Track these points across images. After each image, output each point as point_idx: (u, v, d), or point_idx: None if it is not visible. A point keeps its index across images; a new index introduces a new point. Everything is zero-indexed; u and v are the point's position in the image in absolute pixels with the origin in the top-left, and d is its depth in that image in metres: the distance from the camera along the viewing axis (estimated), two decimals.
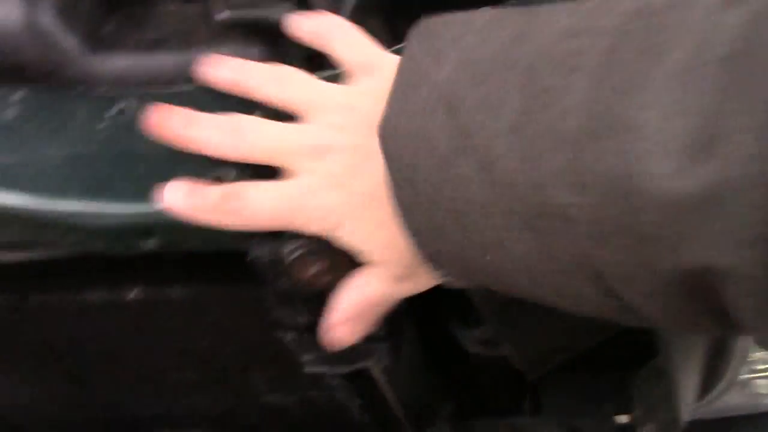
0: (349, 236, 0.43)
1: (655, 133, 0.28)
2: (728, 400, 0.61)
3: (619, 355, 0.69)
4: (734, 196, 0.26)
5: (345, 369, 0.67)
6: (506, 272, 0.36)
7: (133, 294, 0.59)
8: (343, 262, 0.44)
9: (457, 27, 0.37)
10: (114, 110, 0.50)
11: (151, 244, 0.48)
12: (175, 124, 0.45)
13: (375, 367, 0.70)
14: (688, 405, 0.56)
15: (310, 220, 0.43)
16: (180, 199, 0.44)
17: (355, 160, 0.42)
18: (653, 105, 0.28)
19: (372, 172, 0.41)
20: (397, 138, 0.37)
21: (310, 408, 0.77)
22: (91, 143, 0.49)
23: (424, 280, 0.45)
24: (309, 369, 0.67)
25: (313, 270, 0.44)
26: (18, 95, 0.50)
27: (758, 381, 0.60)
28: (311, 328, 0.63)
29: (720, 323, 0.32)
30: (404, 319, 0.68)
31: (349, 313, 0.47)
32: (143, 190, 0.47)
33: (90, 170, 0.49)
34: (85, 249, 0.50)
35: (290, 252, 0.44)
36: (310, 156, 0.43)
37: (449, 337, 0.78)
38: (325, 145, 0.43)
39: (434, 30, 0.38)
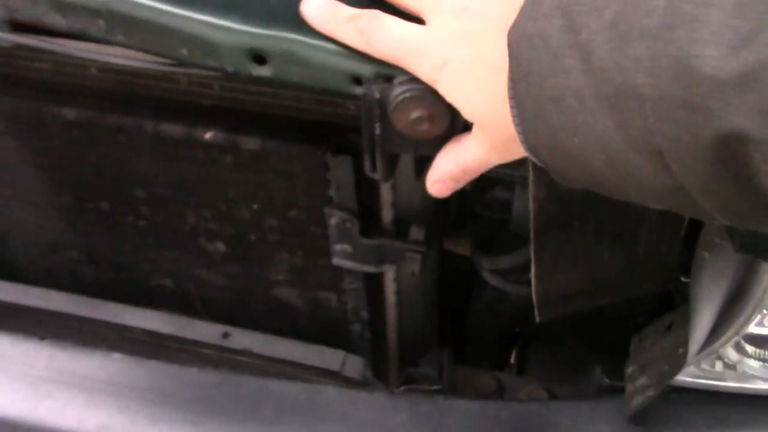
0: (458, 92, 0.48)
1: (713, 26, 0.35)
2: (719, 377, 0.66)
3: (622, 317, 0.74)
4: (766, 75, 0.34)
5: (371, 268, 0.72)
6: (588, 151, 0.43)
7: (209, 135, 0.64)
8: (442, 117, 0.49)
9: None
10: None
11: (263, 71, 0.53)
12: None
13: (395, 275, 0.74)
14: (691, 357, 0.61)
15: (426, 65, 0.47)
16: (317, 7, 0.49)
17: (492, 30, 0.47)
18: (716, 5, 0.36)
19: (501, 48, 0.45)
20: (521, 38, 0.44)
21: (317, 312, 0.81)
22: None
23: (513, 154, 0.50)
24: (337, 261, 0.71)
25: (414, 114, 0.49)
26: None
27: (749, 361, 0.65)
28: (363, 212, 0.67)
29: (746, 195, 0.38)
30: (436, 235, 0.73)
31: (447, 173, 0.52)
32: (269, 17, 0.52)
33: None
34: (199, 63, 0.54)
35: (399, 93, 0.48)
36: (453, 11, 0.48)
37: (460, 276, 0.83)
38: (470, 8, 0.48)
39: None
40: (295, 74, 0.53)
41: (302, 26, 0.51)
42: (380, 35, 0.49)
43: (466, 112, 0.49)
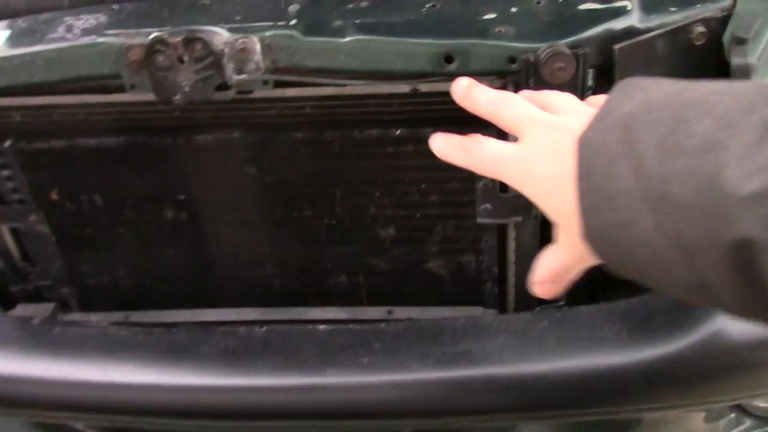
0: (541, 195, 0.59)
1: (738, 153, 0.43)
2: None
3: None
4: None
5: (505, 220, 1.02)
6: (634, 245, 0.49)
7: (398, 132, 0.96)
8: (571, 63, 0.81)
9: (648, 83, 0.53)
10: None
11: (451, 67, 0.86)
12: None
13: (515, 232, 1.05)
14: None
15: (514, 171, 0.61)
16: (439, 142, 0.72)
17: (570, 140, 0.55)
18: (742, 137, 0.43)
19: (569, 161, 0.54)
20: (586, 145, 0.52)
21: (459, 278, 1.09)
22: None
23: (588, 258, 0.57)
24: (480, 220, 1.02)
25: (557, 64, 0.81)
26: None
27: None
28: None
29: (758, 296, 0.44)
30: None
31: (544, 277, 0.62)
32: (450, 33, 0.86)
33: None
34: (405, 69, 0.87)
35: (546, 54, 0.81)
36: (541, 126, 0.60)
37: None
38: (555, 122, 0.60)
39: (632, 83, 0.54)
40: (472, 65, 0.87)
41: (473, 35, 0.86)
42: (479, 150, 0.65)
43: (548, 213, 0.59)
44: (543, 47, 0.83)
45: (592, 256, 0.55)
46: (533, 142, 0.60)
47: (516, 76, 0.86)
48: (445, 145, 0.71)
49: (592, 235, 0.52)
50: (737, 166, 0.43)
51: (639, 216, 0.47)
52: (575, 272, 0.62)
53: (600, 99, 0.60)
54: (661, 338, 0.95)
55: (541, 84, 0.85)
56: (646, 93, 0.51)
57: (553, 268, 0.61)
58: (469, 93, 0.72)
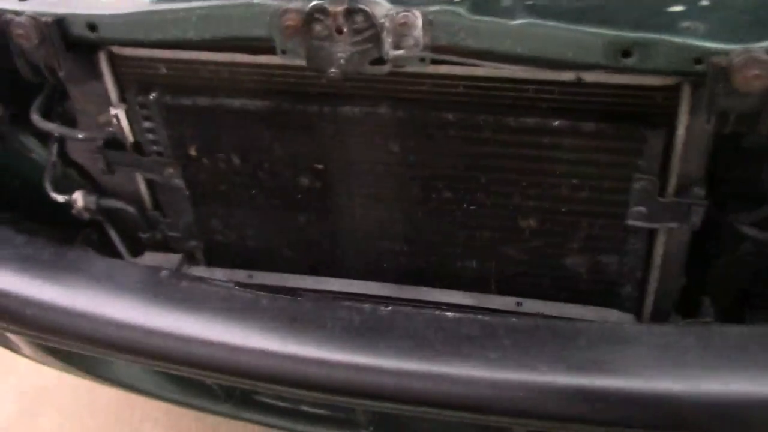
0: None
1: None
2: None
3: None
4: None
5: (658, 225, 0.95)
6: None
7: (557, 123, 0.90)
8: None
9: None
10: None
11: (628, 62, 0.79)
12: None
13: (665, 237, 0.98)
14: None
15: None
16: None
17: None
18: None
19: None
20: None
21: (596, 277, 1.03)
22: None
23: None
24: (631, 222, 0.95)
25: (753, 71, 0.74)
26: None
27: None
28: (664, 168, 0.92)
29: None
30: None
31: None
32: (633, 26, 0.79)
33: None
34: (577, 62, 0.80)
35: (742, 59, 0.74)
36: None
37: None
38: None
39: None
40: (652, 62, 0.79)
41: (657, 30, 0.78)
42: None
43: None
44: (737, 50, 0.75)
45: None
46: None
47: (699, 78, 0.78)
48: None
49: None
50: None
51: None
52: None
53: None
54: None
55: (729, 91, 0.77)
56: None
57: None
58: None
